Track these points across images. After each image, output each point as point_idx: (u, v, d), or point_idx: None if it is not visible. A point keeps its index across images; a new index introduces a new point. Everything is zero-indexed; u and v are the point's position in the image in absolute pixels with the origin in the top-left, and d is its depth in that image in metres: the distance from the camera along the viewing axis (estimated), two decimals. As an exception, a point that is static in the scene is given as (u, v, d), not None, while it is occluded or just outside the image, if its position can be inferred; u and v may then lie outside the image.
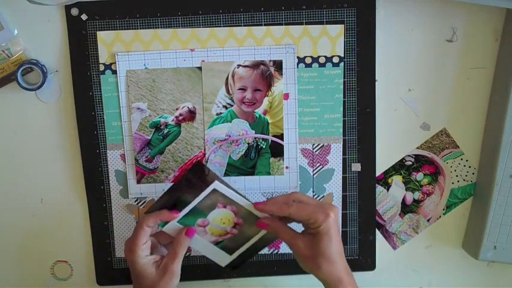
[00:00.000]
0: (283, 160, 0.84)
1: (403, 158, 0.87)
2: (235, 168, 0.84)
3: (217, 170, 0.84)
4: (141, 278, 0.75)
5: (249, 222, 0.78)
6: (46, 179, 0.86)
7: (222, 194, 0.77)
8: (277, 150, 0.84)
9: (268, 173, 0.84)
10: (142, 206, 0.86)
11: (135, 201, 0.86)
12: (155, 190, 0.85)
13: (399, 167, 0.87)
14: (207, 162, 0.84)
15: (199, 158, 0.83)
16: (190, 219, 0.78)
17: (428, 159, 0.87)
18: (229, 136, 0.83)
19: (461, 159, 0.87)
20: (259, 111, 0.83)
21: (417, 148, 0.86)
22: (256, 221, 0.77)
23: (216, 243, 0.79)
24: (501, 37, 0.81)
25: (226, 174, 0.84)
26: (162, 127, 0.83)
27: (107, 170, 0.85)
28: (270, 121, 0.83)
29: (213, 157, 0.83)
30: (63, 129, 0.84)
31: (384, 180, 0.87)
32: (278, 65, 0.81)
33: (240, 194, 0.77)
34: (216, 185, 0.76)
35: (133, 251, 0.74)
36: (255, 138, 0.83)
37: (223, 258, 0.81)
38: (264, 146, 0.84)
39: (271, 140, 0.84)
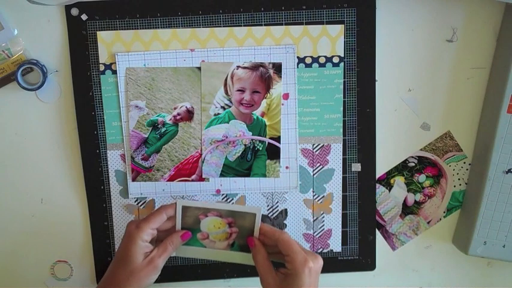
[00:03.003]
0: (279, 162, 0.84)
1: (406, 159, 0.86)
2: (231, 169, 0.84)
3: (213, 170, 0.84)
4: (126, 260, 0.74)
5: (237, 215, 0.77)
6: (46, 179, 0.86)
7: (193, 207, 0.76)
8: (273, 153, 0.84)
9: (264, 175, 0.84)
10: (142, 206, 0.86)
11: (135, 201, 0.86)
12: (155, 190, 0.85)
13: (402, 168, 0.87)
14: (203, 162, 0.84)
15: (195, 158, 0.84)
16: (191, 238, 0.78)
17: (431, 161, 0.87)
18: (226, 137, 0.83)
19: (464, 162, 0.87)
20: (257, 113, 0.83)
21: (421, 150, 0.86)
22: (248, 237, 0.77)
23: (231, 246, 0.79)
24: (498, 35, 0.81)
25: (222, 175, 0.84)
26: (159, 126, 0.83)
27: (107, 170, 0.85)
28: (267, 123, 0.83)
29: (209, 157, 0.83)
30: (63, 129, 0.84)
31: (386, 181, 0.87)
32: (277, 67, 0.81)
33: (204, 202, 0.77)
34: (181, 202, 0.76)
35: (140, 229, 0.74)
36: (252, 139, 0.83)
37: (248, 258, 0.79)
38: (260, 148, 0.83)
39: (268, 142, 0.83)
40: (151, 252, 0.75)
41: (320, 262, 0.73)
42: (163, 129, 0.83)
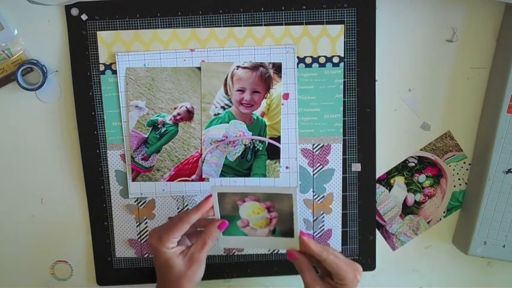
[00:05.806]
0: (279, 162, 0.84)
1: (406, 159, 0.86)
2: (231, 169, 0.84)
3: (213, 170, 0.84)
4: (167, 269, 0.74)
5: (275, 198, 0.76)
6: (46, 179, 0.86)
7: (230, 192, 0.76)
8: (273, 153, 0.84)
9: (264, 175, 0.84)
10: (142, 206, 0.86)
11: (135, 201, 0.86)
12: (155, 190, 0.85)
13: (402, 168, 0.87)
14: (203, 162, 0.84)
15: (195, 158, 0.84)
16: (230, 226, 0.78)
17: (431, 161, 0.86)
18: (226, 137, 0.83)
19: (464, 162, 0.87)
20: (257, 113, 0.83)
21: (421, 150, 0.86)
22: (288, 252, 0.78)
23: (273, 233, 0.78)
24: (498, 35, 0.82)
25: (222, 175, 0.84)
26: (159, 126, 0.83)
27: (107, 170, 0.85)
28: (267, 123, 0.83)
29: (209, 157, 0.83)
30: (63, 129, 0.84)
31: (386, 181, 0.87)
32: (277, 67, 0.81)
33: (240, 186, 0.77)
34: (216, 189, 0.76)
35: (162, 242, 0.73)
36: (252, 139, 0.83)
37: (291, 244, 0.78)
38: (260, 148, 0.83)
39: (268, 142, 0.83)
40: (190, 249, 0.74)
41: (361, 270, 0.76)
42: (163, 129, 0.83)
